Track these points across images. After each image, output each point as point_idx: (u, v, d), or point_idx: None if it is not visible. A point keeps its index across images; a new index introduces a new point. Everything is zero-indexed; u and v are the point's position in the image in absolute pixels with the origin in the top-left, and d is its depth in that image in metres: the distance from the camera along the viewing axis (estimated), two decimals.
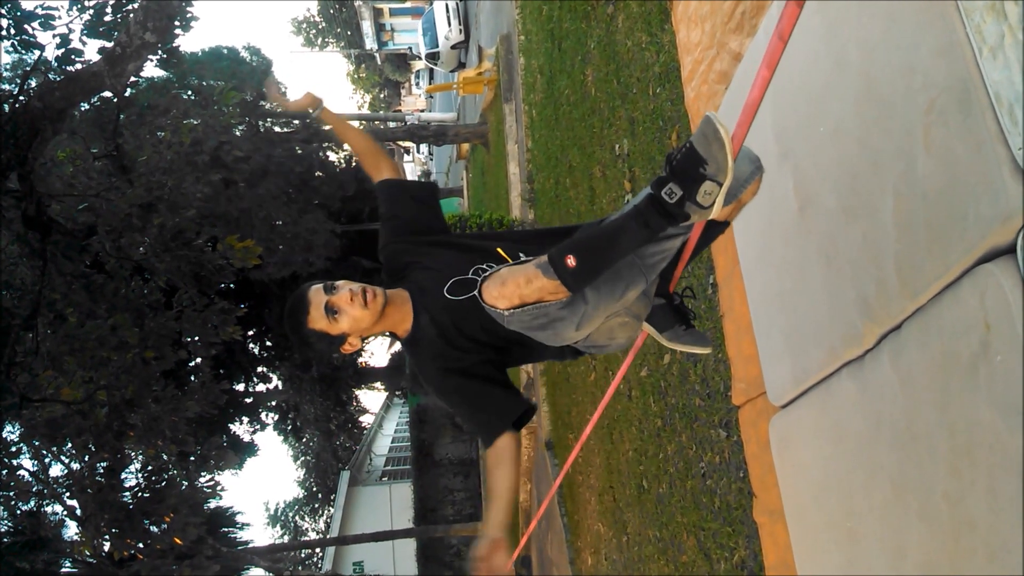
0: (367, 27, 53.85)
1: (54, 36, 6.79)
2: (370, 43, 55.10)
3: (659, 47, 5.28)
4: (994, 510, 2.04)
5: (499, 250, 2.32)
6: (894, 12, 2.40)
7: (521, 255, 2.29)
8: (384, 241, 2.49)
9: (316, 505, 38.17)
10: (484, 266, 2.27)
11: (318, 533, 37.65)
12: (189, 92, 15.64)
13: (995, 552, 2.05)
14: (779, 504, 3.46)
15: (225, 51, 21.88)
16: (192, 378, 13.66)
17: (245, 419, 24.23)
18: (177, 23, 7.22)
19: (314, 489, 36.94)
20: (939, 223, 2.23)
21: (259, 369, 22.77)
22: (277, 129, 17.35)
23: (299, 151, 17.39)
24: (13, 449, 9.59)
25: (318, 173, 18.62)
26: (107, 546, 9.95)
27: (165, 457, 10.49)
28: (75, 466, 10.34)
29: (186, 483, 11.95)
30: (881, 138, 2.48)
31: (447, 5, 28.42)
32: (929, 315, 2.32)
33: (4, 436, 9.28)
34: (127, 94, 7.94)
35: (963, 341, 2.14)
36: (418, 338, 2.31)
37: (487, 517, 2.16)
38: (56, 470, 11.14)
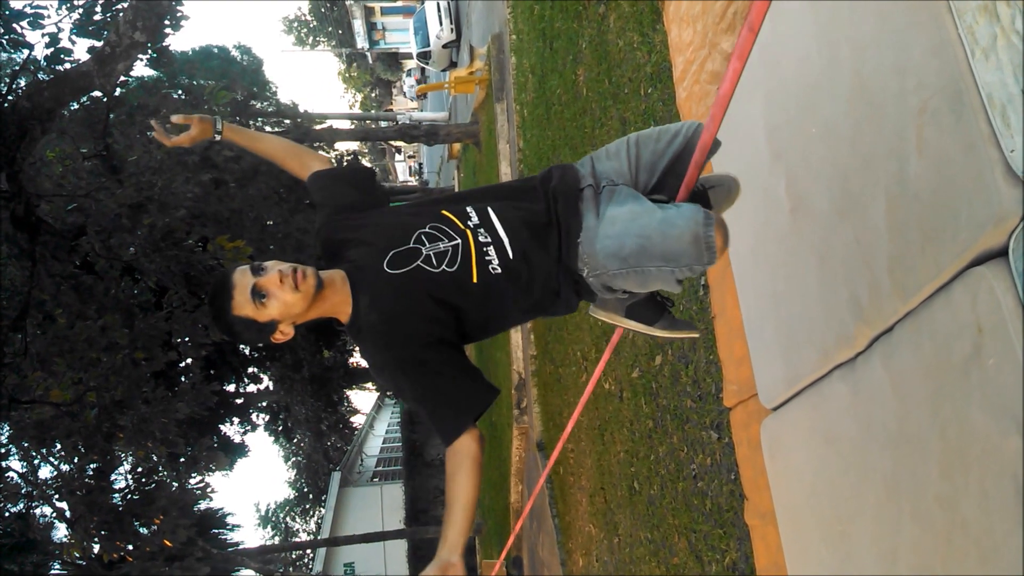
0: (358, 26, 53.77)
1: (43, 35, 6.78)
2: (361, 42, 55.02)
3: (651, 47, 5.27)
4: (986, 512, 2.04)
5: (444, 212, 2.16)
6: (886, 12, 2.39)
7: (469, 211, 2.15)
8: (319, 225, 2.29)
9: (307, 506, 38.17)
10: (427, 230, 2.11)
11: (309, 534, 37.66)
12: (179, 91, 15.59)
13: (987, 554, 2.04)
14: (771, 506, 3.46)
15: (215, 50, 21.88)
16: (182, 379, 13.63)
17: (235, 420, 24.22)
18: (167, 22, 7.20)
19: (305, 490, 36.92)
20: (931, 225, 2.22)
21: (250, 370, 22.72)
22: (268, 129, 17.31)
23: None
24: (2, 451, 9.55)
25: None
26: (97, 548, 9.92)
27: (155, 459, 10.47)
28: (64, 468, 10.30)
29: (176, 484, 11.95)
30: (873, 139, 2.48)
31: (438, 4, 28.39)
32: (921, 317, 2.31)
33: None
34: (117, 94, 7.91)
35: (955, 344, 2.13)
36: (359, 325, 2.09)
37: (444, 534, 1.93)
38: (45, 472, 11.10)
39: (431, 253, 2.08)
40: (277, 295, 1.98)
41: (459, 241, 2.09)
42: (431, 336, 2.05)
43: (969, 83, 2.05)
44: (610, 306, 2.52)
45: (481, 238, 2.10)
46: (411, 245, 2.09)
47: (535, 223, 2.14)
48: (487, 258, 2.08)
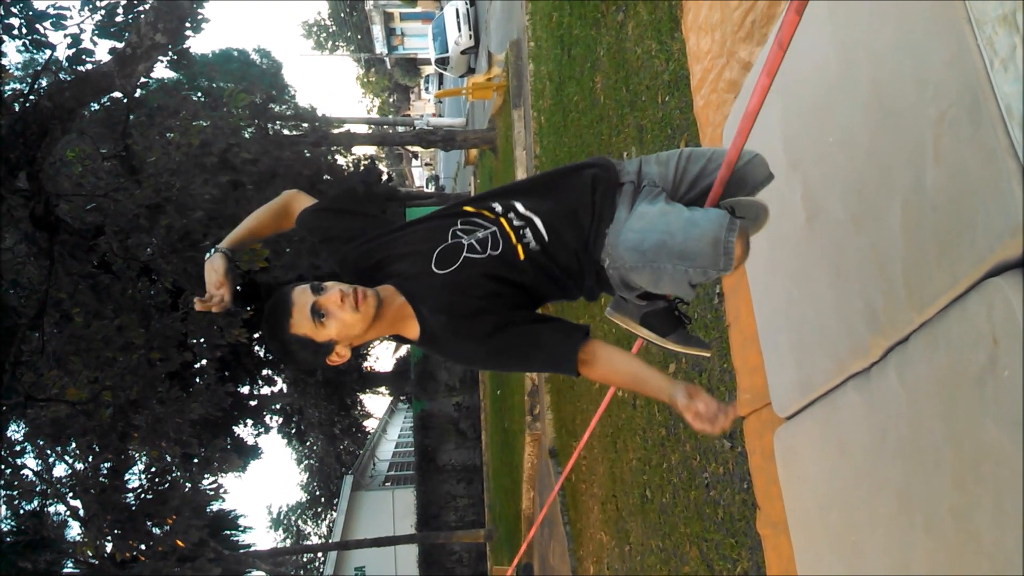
0: (377, 31, 54.04)
1: (65, 36, 6.83)
2: (380, 47, 55.27)
3: (669, 55, 5.27)
4: (1000, 525, 2.03)
5: (466, 207, 2.19)
6: (904, 21, 2.38)
7: (494, 205, 2.18)
8: (339, 259, 2.25)
9: (319, 509, 38.19)
10: (460, 226, 2.13)
11: (320, 537, 37.66)
12: (199, 94, 15.71)
13: (1000, 566, 2.03)
14: (783, 516, 3.44)
15: (235, 53, 21.96)
16: (197, 380, 13.70)
17: (249, 422, 24.26)
18: (188, 24, 7.25)
19: (317, 493, 36.96)
20: (947, 235, 2.21)
21: (264, 372, 22.77)
22: (286, 132, 17.38)
23: (308, 154, 17.43)
24: (17, 448, 9.61)
25: (326, 176, 18.64)
26: (109, 547, 9.98)
27: (169, 459, 10.51)
28: (79, 466, 10.37)
29: (189, 485, 11.98)
30: (890, 148, 2.47)
31: (457, 10, 28.48)
32: (936, 328, 2.30)
33: (8, 435, 9.30)
34: (137, 95, 7.97)
35: (970, 355, 2.12)
36: (431, 333, 2.09)
37: (658, 386, 1.95)
38: (60, 470, 11.20)
39: (473, 242, 2.11)
40: (337, 315, 1.96)
41: (494, 228, 2.13)
42: (502, 306, 2.08)
43: (988, 93, 2.04)
44: (626, 310, 2.53)
45: (515, 222, 2.14)
46: (451, 241, 2.11)
47: (567, 209, 2.17)
48: (525, 239, 2.12)
